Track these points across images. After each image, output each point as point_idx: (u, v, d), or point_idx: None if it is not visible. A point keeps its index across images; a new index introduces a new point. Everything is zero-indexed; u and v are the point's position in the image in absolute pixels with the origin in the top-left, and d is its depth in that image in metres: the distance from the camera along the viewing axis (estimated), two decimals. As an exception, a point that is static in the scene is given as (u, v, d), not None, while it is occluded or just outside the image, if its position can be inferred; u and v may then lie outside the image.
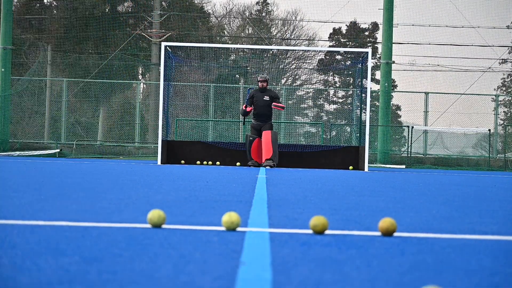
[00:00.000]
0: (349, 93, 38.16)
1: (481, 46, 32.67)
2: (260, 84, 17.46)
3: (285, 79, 41.33)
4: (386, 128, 25.88)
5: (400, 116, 36.65)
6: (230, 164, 18.35)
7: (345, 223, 3.99)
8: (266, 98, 17.27)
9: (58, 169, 12.23)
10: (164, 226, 3.52)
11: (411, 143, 26.22)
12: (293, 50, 41.35)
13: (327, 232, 3.43)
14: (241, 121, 19.00)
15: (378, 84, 31.90)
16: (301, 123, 33.07)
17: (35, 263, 2.31)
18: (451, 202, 6.19)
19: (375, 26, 41.02)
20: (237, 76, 35.06)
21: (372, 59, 38.87)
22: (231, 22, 42.68)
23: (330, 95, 40.08)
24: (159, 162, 17.59)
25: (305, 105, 37.35)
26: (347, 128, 30.64)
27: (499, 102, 30.44)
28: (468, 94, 29.52)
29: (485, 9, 33.71)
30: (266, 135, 17.05)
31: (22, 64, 33.65)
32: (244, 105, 17.33)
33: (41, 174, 9.81)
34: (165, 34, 32.45)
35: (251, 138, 17.20)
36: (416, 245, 3.09)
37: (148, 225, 3.51)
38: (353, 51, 33.13)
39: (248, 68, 35.64)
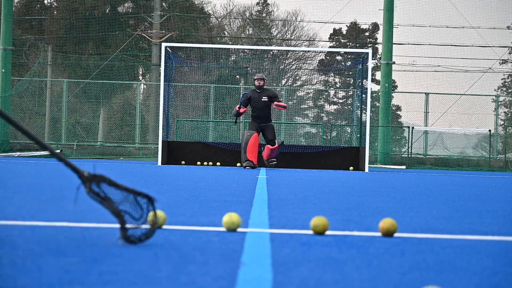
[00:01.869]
0: (349, 93, 38.17)
1: (481, 46, 32.68)
2: (256, 82, 16.23)
3: (285, 79, 41.33)
4: (386, 129, 25.88)
5: (401, 117, 36.65)
6: (230, 165, 18.35)
7: (346, 223, 3.99)
8: (265, 99, 16.24)
9: (59, 169, 12.23)
10: (164, 226, 3.52)
11: (411, 144, 26.22)
12: (294, 50, 41.37)
13: (328, 232, 3.43)
14: (233, 121, 18.12)
15: (379, 84, 31.89)
16: (302, 123, 33.07)
17: (35, 264, 2.31)
18: (451, 202, 6.19)
19: (375, 26, 41.02)
20: (238, 76, 35.06)
21: (372, 59, 38.85)
22: (232, 23, 42.68)
23: (331, 96, 40.08)
24: (159, 163, 17.59)
25: (306, 106, 37.35)
26: (347, 128, 30.64)
27: (499, 103, 30.44)
28: (469, 94, 29.51)
29: (485, 10, 33.72)
30: (272, 149, 16.14)
31: (23, 64, 33.66)
32: (238, 106, 16.26)
33: (42, 174, 9.81)
34: (166, 34, 32.45)
35: (248, 133, 16.08)
36: (416, 245, 3.09)
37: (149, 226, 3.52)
38: (353, 52, 33.15)
39: (249, 68, 35.63)
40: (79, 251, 2.61)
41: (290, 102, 33.00)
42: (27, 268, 2.23)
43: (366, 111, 19.01)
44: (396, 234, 3.43)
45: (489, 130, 26.39)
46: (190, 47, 28.04)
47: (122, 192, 2.90)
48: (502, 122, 32.61)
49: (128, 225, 2.86)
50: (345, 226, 3.83)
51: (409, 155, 26.07)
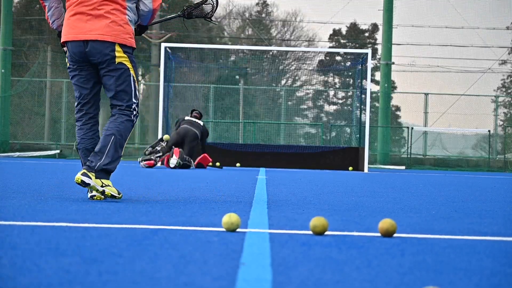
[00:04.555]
0: (349, 94, 38.17)
1: (481, 47, 32.68)
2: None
3: (285, 80, 41.34)
4: (385, 129, 25.89)
5: (400, 117, 36.66)
6: (230, 165, 18.35)
7: (345, 223, 3.99)
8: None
9: (58, 170, 12.23)
10: (164, 226, 3.53)
11: (410, 144, 26.22)
12: (293, 51, 41.36)
13: (327, 233, 3.43)
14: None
15: (378, 85, 31.89)
16: (301, 124, 33.07)
17: (35, 264, 2.31)
18: (450, 202, 6.19)
19: (375, 27, 41.03)
20: (237, 77, 35.06)
21: (372, 60, 38.84)
22: (231, 23, 42.68)
23: (330, 96, 40.08)
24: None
25: (305, 106, 37.36)
26: (347, 129, 30.64)
27: (499, 103, 30.44)
28: (468, 95, 29.51)
29: (485, 10, 33.73)
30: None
31: (22, 65, 33.65)
32: None
33: (41, 175, 9.81)
34: (165, 35, 32.45)
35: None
36: (416, 246, 3.09)
37: (149, 226, 3.52)
38: (353, 52, 33.14)
39: (248, 69, 35.64)
40: (79, 251, 2.61)
41: (289, 103, 33.00)
42: (27, 268, 2.23)
43: (365, 111, 19.02)
44: (395, 234, 3.43)
45: (489, 131, 26.39)
46: (189, 47, 28.04)
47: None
48: (501, 123, 32.61)
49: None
50: (344, 226, 3.83)
51: (409, 156, 26.08)
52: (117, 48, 5.24)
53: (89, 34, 5.24)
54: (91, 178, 5.04)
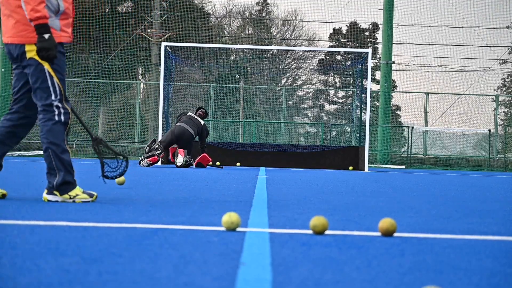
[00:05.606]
0: (349, 93, 38.17)
1: (481, 46, 32.67)
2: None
3: (285, 79, 41.33)
4: (386, 129, 25.88)
5: (400, 117, 36.65)
6: (230, 164, 18.35)
7: (345, 223, 3.99)
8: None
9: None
10: (164, 226, 3.53)
11: (411, 144, 26.22)
12: (293, 50, 41.35)
13: (327, 232, 3.43)
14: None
15: (378, 84, 31.88)
16: (301, 123, 33.07)
17: (35, 264, 2.31)
18: (451, 202, 6.19)
19: (375, 26, 41.02)
20: (237, 76, 35.05)
21: (372, 59, 38.83)
22: (231, 22, 42.68)
23: (330, 95, 40.09)
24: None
25: (305, 105, 37.35)
26: (347, 128, 30.64)
27: (499, 103, 30.43)
28: (468, 94, 29.51)
29: (485, 10, 33.73)
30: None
31: (22, 64, 33.63)
32: None
33: (41, 174, 9.81)
34: (165, 34, 32.45)
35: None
36: (416, 246, 3.09)
37: (149, 226, 3.52)
38: (353, 52, 33.13)
39: (248, 68, 35.64)
40: (78, 251, 2.61)
41: (289, 102, 32.99)
42: (27, 268, 2.23)
43: (365, 110, 19.03)
44: (395, 234, 3.43)
45: (489, 130, 26.39)
46: (189, 46, 28.04)
47: (110, 151, 5.38)
48: (501, 122, 32.61)
49: (106, 170, 5.32)
50: (344, 226, 3.83)
51: (409, 155, 26.08)
52: (27, 47, 4.99)
53: (4, 36, 5.08)
54: (57, 195, 4.92)
